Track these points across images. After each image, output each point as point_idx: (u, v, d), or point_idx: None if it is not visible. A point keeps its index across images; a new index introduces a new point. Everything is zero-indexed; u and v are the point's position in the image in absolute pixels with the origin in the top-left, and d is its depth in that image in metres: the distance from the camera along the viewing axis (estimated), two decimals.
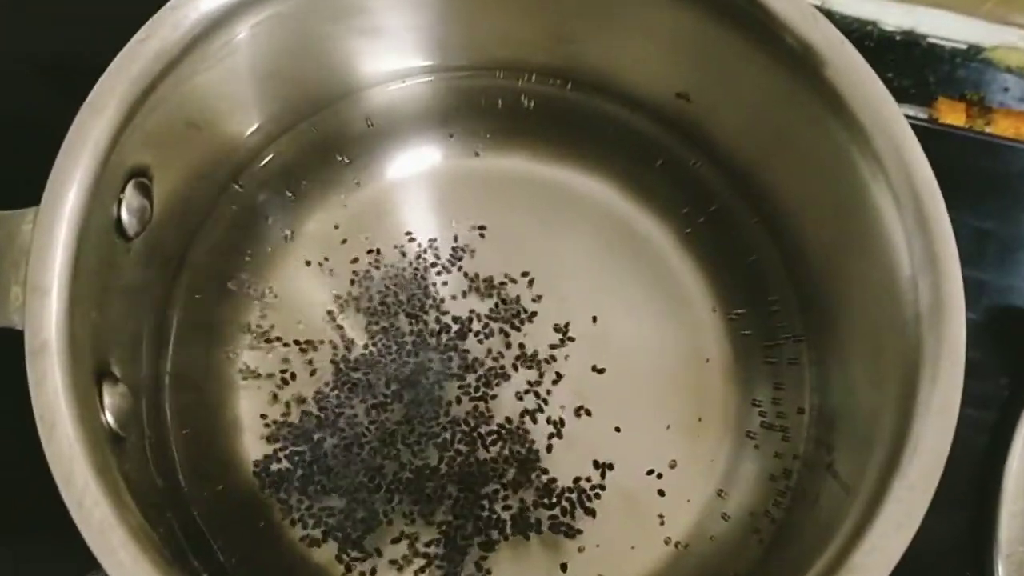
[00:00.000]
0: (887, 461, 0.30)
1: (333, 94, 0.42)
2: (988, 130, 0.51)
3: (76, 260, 0.30)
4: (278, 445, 0.38)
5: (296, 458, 0.38)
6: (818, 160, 0.36)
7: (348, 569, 0.37)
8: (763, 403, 0.40)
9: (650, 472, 0.39)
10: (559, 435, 0.39)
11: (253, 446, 0.38)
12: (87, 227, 0.30)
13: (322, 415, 0.39)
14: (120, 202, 0.32)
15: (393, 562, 0.37)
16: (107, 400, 0.31)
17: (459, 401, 0.39)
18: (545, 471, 0.38)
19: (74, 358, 0.29)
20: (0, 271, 0.29)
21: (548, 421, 0.39)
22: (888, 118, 0.32)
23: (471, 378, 0.40)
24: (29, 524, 0.42)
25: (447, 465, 0.38)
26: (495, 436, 0.39)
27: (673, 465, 0.39)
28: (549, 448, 0.39)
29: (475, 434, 0.39)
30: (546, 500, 0.38)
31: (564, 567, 0.37)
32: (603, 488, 0.38)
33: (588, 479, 0.39)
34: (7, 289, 0.29)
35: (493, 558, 0.37)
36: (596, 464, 0.39)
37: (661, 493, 0.38)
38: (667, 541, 0.38)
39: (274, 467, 0.38)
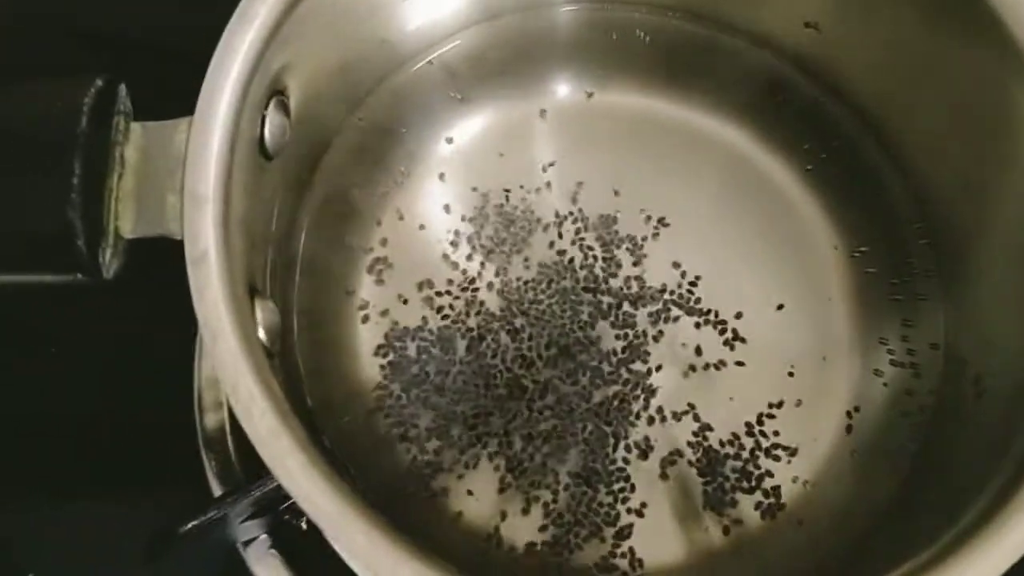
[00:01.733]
0: None
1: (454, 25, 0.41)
2: None
3: (229, 171, 0.29)
4: (397, 380, 0.38)
5: (414, 390, 0.38)
6: (962, 87, 0.35)
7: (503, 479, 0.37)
8: (890, 340, 0.39)
9: (774, 411, 0.38)
10: (684, 375, 0.38)
11: (373, 377, 0.38)
12: (236, 139, 0.29)
13: (440, 348, 0.38)
14: (264, 119, 0.32)
15: (523, 492, 0.36)
16: (259, 314, 0.30)
17: (587, 341, 0.39)
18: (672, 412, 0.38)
19: (231, 269, 0.28)
20: (156, 179, 0.29)
21: (669, 365, 0.39)
22: None
23: (594, 313, 0.39)
24: (107, 480, 0.41)
25: (580, 398, 0.37)
26: (617, 376, 0.38)
27: (799, 404, 0.38)
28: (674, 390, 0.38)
29: (602, 379, 0.38)
30: (675, 441, 0.37)
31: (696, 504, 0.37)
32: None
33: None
34: (163, 198, 0.29)
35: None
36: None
37: (783, 432, 0.38)
38: (794, 480, 0.37)
39: (392, 398, 0.38)
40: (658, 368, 0.38)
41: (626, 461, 0.37)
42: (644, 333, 0.39)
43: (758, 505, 0.37)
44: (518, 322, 0.39)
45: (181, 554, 0.32)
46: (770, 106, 0.42)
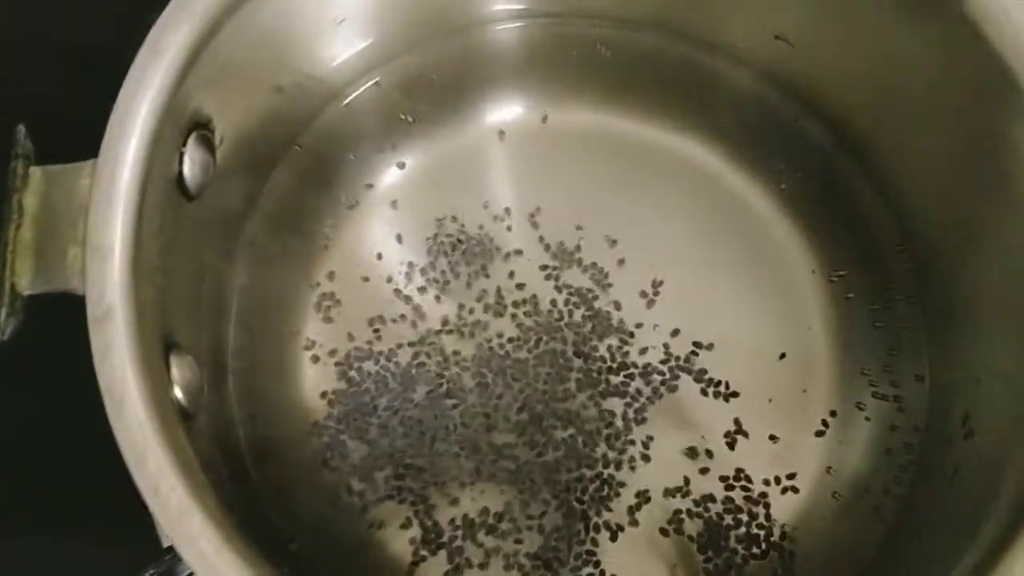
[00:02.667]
0: None
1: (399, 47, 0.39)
2: None
3: (139, 217, 0.27)
4: (340, 423, 0.35)
5: (358, 434, 0.35)
6: (944, 102, 0.32)
7: (417, 552, 0.34)
8: (872, 372, 0.36)
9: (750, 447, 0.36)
10: (641, 412, 0.36)
11: (316, 421, 0.35)
12: (149, 181, 0.27)
13: (389, 388, 0.36)
14: (182, 156, 0.29)
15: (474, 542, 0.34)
16: (175, 373, 0.28)
17: (537, 377, 0.36)
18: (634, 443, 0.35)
19: (141, 325, 0.26)
20: (57, 231, 0.26)
21: (633, 397, 0.36)
22: None
23: (550, 348, 0.37)
24: (75, 514, 0.39)
25: (530, 447, 0.35)
26: (568, 419, 0.36)
27: (775, 439, 0.36)
28: (638, 422, 0.36)
29: (557, 410, 0.36)
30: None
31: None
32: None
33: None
34: (64, 251, 0.26)
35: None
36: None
37: (759, 461, 0.35)
38: (773, 527, 0.35)
39: (336, 443, 0.35)
40: (620, 397, 0.36)
41: (595, 542, 0.35)
42: (607, 364, 0.36)
43: (742, 557, 0.34)
44: (464, 349, 0.36)
45: None
46: (741, 123, 0.39)
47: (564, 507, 0.34)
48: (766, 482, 0.35)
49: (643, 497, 0.35)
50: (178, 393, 0.27)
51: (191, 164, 0.29)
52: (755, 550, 0.34)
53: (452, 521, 0.34)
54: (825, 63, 0.37)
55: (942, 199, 0.35)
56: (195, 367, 0.29)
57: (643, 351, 0.37)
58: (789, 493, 0.35)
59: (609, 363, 0.36)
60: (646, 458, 0.35)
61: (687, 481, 0.35)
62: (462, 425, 0.35)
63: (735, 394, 0.36)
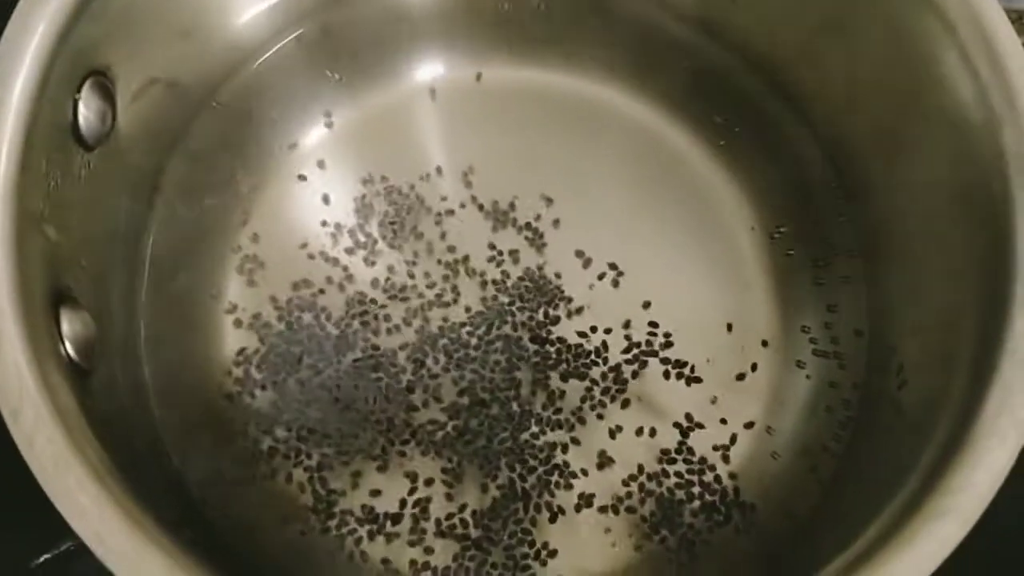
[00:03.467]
0: (973, 373, 0.26)
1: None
2: None
3: (23, 166, 0.25)
4: (259, 376, 0.34)
5: (272, 383, 0.34)
6: (871, 39, 0.32)
7: (318, 500, 0.33)
8: (812, 329, 0.35)
9: (688, 412, 0.34)
10: (574, 368, 0.35)
11: (230, 379, 0.34)
12: (36, 127, 0.26)
13: (318, 347, 0.34)
14: (76, 103, 0.28)
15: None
16: (66, 328, 0.26)
17: (469, 338, 0.35)
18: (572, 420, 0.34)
19: (23, 275, 0.25)
20: None
21: (566, 353, 0.35)
22: None
23: (479, 310, 0.35)
24: None
25: (459, 432, 0.34)
26: (496, 386, 0.34)
27: (714, 401, 0.35)
28: (582, 400, 0.35)
29: (486, 373, 0.34)
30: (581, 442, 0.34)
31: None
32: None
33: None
34: None
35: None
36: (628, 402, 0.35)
37: (701, 427, 0.34)
38: (711, 483, 0.34)
39: (251, 398, 0.34)
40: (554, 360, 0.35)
41: (534, 522, 0.33)
42: (540, 322, 0.35)
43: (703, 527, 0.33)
44: (394, 314, 0.35)
45: None
46: (677, 76, 0.38)
47: (494, 490, 0.33)
48: (714, 448, 0.34)
49: (586, 477, 0.34)
50: (69, 348, 0.26)
51: (87, 112, 0.28)
52: (717, 517, 0.33)
53: (346, 494, 0.33)
54: (753, 6, 0.36)
55: (871, 140, 0.34)
56: (90, 323, 0.28)
57: (578, 311, 0.36)
58: (732, 458, 0.34)
59: (546, 333, 0.35)
60: (577, 441, 0.34)
61: (631, 458, 0.34)
62: (384, 399, 0.34)
63: (682, 363, 0.35)
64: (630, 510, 0.33)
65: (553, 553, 0.32)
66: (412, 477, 0.33)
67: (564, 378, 0.34)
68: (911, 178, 0.31)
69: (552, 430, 0.34)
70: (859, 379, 0.34)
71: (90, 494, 0.23)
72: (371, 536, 0.32)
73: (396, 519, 0.33)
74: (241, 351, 0.34)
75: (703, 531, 0.33)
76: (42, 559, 0.33)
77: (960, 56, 0.28)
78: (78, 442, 0.23)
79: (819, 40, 0.34)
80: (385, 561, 0.32)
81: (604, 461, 0.34)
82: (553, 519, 0.33)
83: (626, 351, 0.35)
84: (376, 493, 0.33)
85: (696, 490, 0.33)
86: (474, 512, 0.33)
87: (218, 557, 0.24)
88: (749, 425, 0.34)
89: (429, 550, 0.32)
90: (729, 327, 0.36)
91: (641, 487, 0.33)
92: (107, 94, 0.29)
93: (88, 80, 0.28)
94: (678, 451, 0.34)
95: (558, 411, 0.34)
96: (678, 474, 0.34)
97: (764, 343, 0.35)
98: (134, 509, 0.23)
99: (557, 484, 0.33)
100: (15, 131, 0.25)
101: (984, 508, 0.23)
